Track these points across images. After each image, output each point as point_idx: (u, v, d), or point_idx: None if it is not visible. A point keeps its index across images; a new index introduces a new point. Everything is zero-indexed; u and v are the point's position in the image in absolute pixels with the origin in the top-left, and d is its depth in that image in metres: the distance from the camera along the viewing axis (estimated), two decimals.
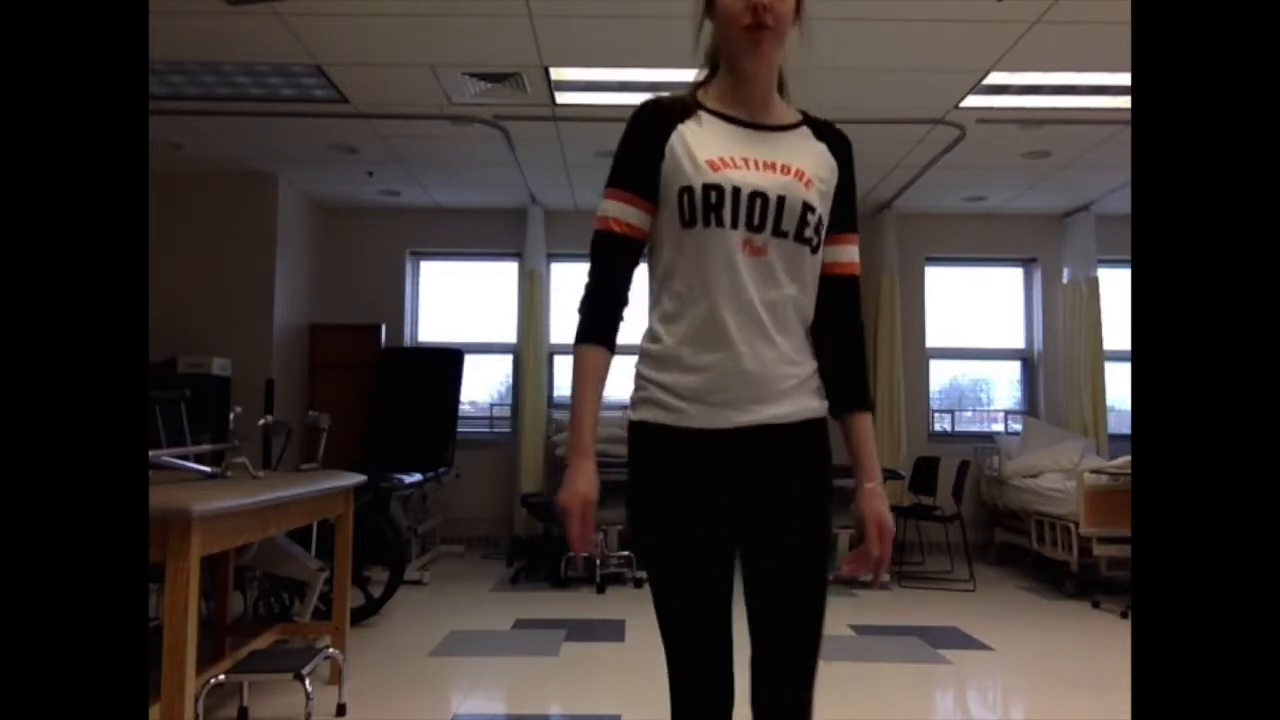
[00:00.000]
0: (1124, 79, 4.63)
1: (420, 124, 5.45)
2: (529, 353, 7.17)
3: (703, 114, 1.46)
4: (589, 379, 1.45)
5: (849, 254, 1.54)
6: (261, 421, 3.65)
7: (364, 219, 7.40)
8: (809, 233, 1.43)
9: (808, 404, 1.45)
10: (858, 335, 1.55)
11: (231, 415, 3.37)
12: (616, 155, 1.47)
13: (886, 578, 5.31)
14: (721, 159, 1.41)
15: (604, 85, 4.84)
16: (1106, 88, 4.77)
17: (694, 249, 1.41)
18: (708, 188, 1.39)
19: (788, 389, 1.43)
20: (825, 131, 1.53)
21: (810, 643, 1.42)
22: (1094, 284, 7.08)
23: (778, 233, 1.41)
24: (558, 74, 4.69)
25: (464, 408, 7.20)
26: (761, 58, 1.42)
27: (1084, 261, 7.09)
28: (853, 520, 1.46)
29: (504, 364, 7.53)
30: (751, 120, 1.47)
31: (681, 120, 1.45)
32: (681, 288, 1.42)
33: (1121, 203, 6.92)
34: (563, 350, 7.50)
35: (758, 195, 1.40)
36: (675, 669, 1.43)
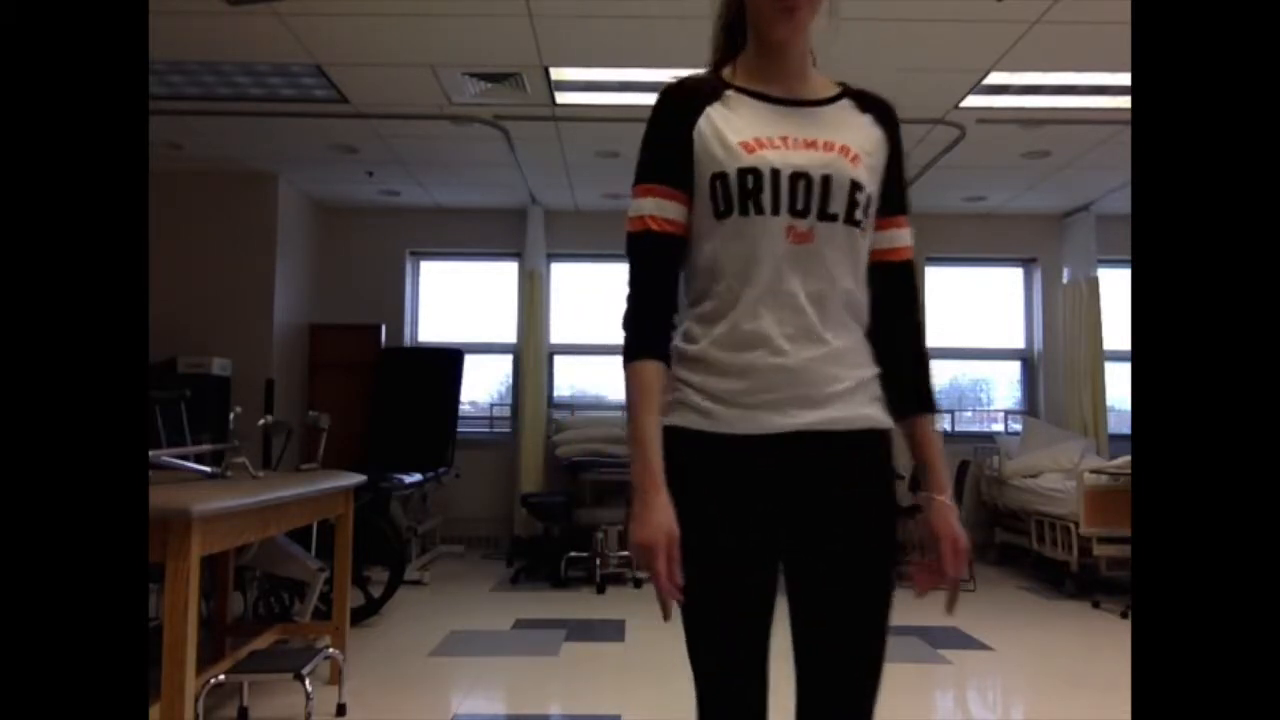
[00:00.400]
0: (1124, 79, 4.62)
1: (420, 124, 5.45)
2: (529, 353, 7.17)
3: (730, 93, 1.33)
4: (647, 399, 1.28)
5: (902, 238, 1.38)
6: (261, 421, 3.66)
7: (364, 219, 7.39)
8: (859, 214, 1.29)
9: (865, 412, 1.29)
10: (916, 328, 1.38)
11: (231, 415, 3.37)
12: (643, 147, 1.35)
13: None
14: (757, 139, 1.28)
15: (604, 85, 4.83)
16: (1106, 88, 4.77)
17: (731, 241, 1.28)
18: (743, 172, 1.26)
19: (839, 393, 1.27)
20: (869, 102, 1.38)
21: (863, 680, 1.26)
22: (1094, 284, 7.08)
23: (825, 216, 1.27)
24: (558, 74, 4.69)
25: (464, 408, 7.20)
26: (796, 26, 1.28)
27: (1084, 261, 7.09)
28: (920, 537, 1.33)
29: (504, 364, 7.53)
30: (786, 96, 1.33)
31: (709, 102, 1.32)
32: (720, 286, 1.29)
33: (1121, 203, 6.92)
34: (562, 350, 7.50)
35: (800, 176, 1.26)
36: (702, 688, 1.28)
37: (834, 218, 1.27)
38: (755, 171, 1.26)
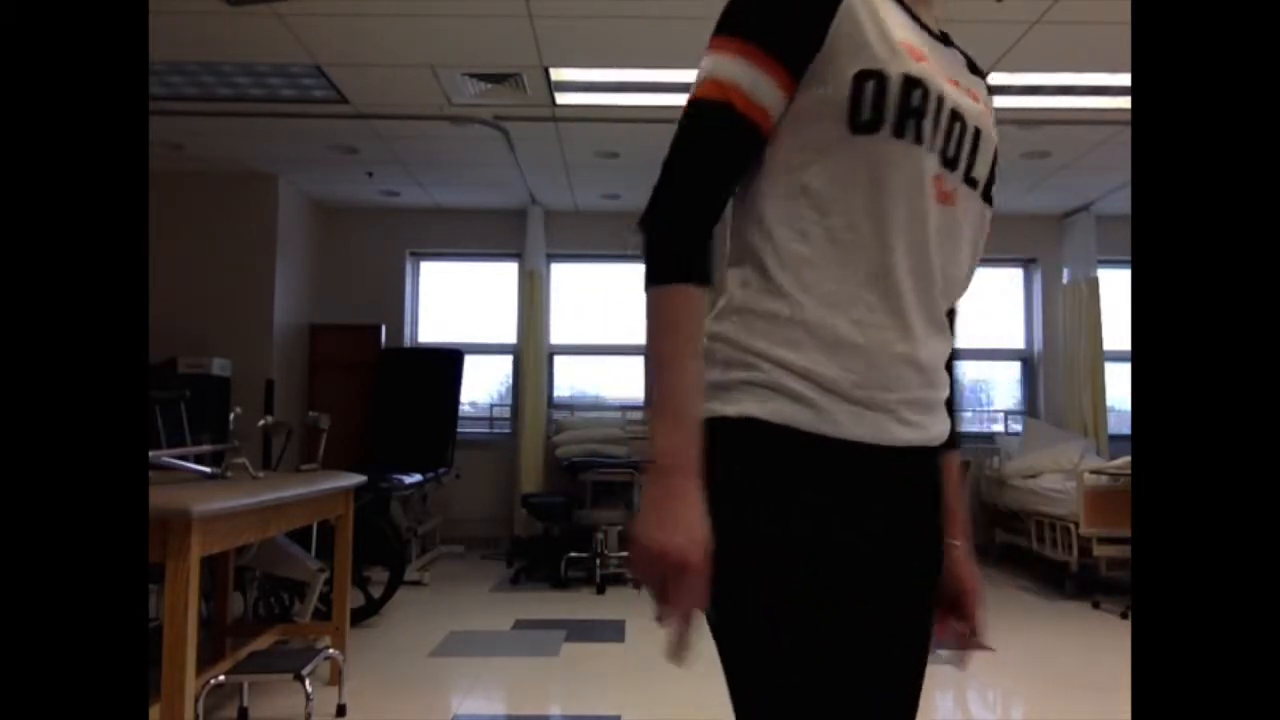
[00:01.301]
0: (1124, 79, 4.63)
1: (420, 124, 5.45)
2: (529, 353, 7.17)
3: None
4: (688, 340, 0.88)
5: None
6: (261, 422, 3.66)
7: (364, 219, 7.40)
8: (994, 189, 1.03)
9: (948, 423, 1.04)
10: (954, 351, 1.14)
11: (231, 415, 3.37)
12: None
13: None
14: (919, 50, 0.94)
15: (604, 85, 4.83)
16: (1106, 88, 4.77)
17: (865, 167, 0.91)
18: (910, 82, 0.90)
19: (941, 400, 1.00)
20: (975, 68, 1.12)
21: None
22: (1094, 284, 7.09)
23: (969, 179, 0.98)
24: (558, 74, 4.69)
25: (464, 408, 7.20)
26: None
27: (1084, 261, 7.09)
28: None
29: (504, 364, 7.54)
30: (921, 20, 1.01)
31: None
32: (835, 223, 0.92)
33: (1121, 203, 6.93)
34: (562, 350, 7.51)
35: (958, 117, 0.95)
36: None
37: (975, 184, 0.99)
38: (923, 86, 0.91)
